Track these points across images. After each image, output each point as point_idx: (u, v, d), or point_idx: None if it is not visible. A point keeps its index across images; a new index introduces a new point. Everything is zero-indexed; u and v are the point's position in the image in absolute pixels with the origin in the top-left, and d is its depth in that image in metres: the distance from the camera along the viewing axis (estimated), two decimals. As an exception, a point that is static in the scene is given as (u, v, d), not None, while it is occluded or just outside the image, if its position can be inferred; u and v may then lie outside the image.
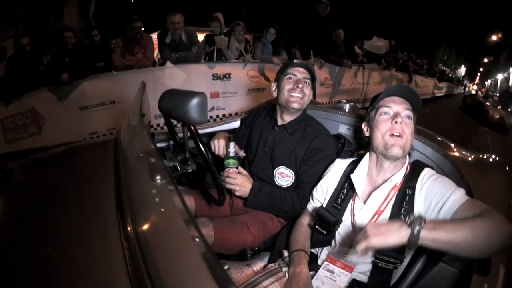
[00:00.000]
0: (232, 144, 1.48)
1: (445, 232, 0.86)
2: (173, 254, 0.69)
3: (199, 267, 0.59)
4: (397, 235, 0.88)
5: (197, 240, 0.66)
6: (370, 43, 6.86)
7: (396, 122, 1.16)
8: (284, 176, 1.59)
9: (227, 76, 4.40)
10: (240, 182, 1.46)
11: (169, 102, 1.13)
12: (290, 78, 1.56)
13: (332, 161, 1.41)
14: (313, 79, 1.60)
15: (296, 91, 1.53)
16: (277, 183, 1.61)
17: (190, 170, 1.28)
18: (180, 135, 1.35)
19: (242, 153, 1.74)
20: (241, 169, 1.53)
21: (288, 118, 1.61)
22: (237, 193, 1.48)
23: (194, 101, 1.00)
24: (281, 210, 1.53)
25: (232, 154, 1.49)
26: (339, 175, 1.32)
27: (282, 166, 1.59)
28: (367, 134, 1.28)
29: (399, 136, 1.15)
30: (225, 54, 4.57)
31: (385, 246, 0.90)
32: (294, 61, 1.64)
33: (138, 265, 0.68)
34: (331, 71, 5.95)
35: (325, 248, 1.29)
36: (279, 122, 1.63)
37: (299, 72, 1.56)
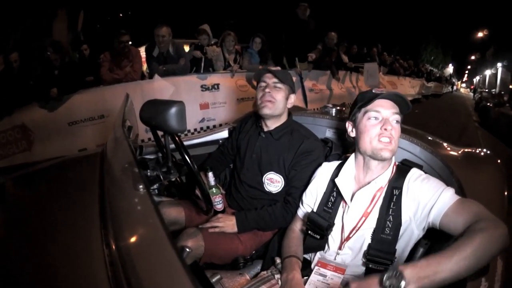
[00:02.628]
0: (210, 174, 1.58)
1: (450, 271, 0.81)
2: (153, 262, 0.71)
3: (177, 272, 0.62)
4: None
5: (186, 250, 0.70)
6: None
7: (386, 129, 1.14)
8: (273, 182, 1.59)
9: (216, 86, 4.42)
10: (221, 223, 1.48)
11: (149, 112, 1.13)
12: (261, 86, 1.59)
13: (320, 164, 1.41)
14: (284, 83, 1.59)
15: (265, 97, 1.55)
16: (266, 189, 1.60)
17: (173, 179, 1.29)
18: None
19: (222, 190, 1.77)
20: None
21: (273, 124, 1.61)
22: (227, 231, 1.48)
23: (173, 110, 1.01)
24: (275, 226, 1.54)
25: (212, 183, 1.61)
26: (327, 179, 1.31)
27: (270, 172, 1.58)
28: (352, 134, 1.27)
29: (388, 142, 1.14)
30: (214, 65, 4.59)
31: None
32: (268, 68, 1.65)
33: (118, 271, 0.71)
34: (320, 77, 6.01)
35: (317, 253, 1.28)
36: (265, 129, 1.63)
37: (268, 78, 1.58)
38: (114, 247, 0.78)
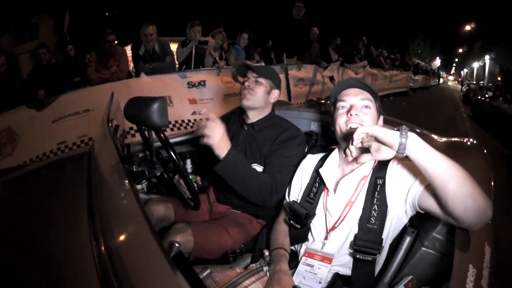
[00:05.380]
0: (188, 161, 1.72)
1: (434, 153, 0.90)
2: (138, 253, 0.75)
3: (162, 264, 0.64)
4: (390, 132, 0.90)
5: (175, 245, 0.77)
6: None
7: (351, 114, 1.17)
8: None
9: (202, 83, 4.41)
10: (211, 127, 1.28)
11: (132, 109, 1.16)
12: (244, 81, 1.68)
13: (304, 151, 1.45)
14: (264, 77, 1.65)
15: (245, 90, 1.62)
16: None
17: (158, 174, 1.30)
18: (157, 144, 1.36)
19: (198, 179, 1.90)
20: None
21: (255, 117, 1.65)
22: (208, 140, 1.27)
23: (154, 106, 1.04)
24: (256, 186, 1.41)
25: (189, 170, 1.81)
26: (311, 170, 1.34)
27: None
28: (332, 128, 1.30)
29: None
30: (205, 60, 4.60)
31: (379, 136, 0.90)
32: (246, 63, 1.75)
33: (105, 263, 0.73)
34: (306, 71, 6.03)
35: (303, 244, 1.30)
36: (248, 122, 1.67)
37: (250, 73, 1.67)
38: (101, 240, 0.81)
